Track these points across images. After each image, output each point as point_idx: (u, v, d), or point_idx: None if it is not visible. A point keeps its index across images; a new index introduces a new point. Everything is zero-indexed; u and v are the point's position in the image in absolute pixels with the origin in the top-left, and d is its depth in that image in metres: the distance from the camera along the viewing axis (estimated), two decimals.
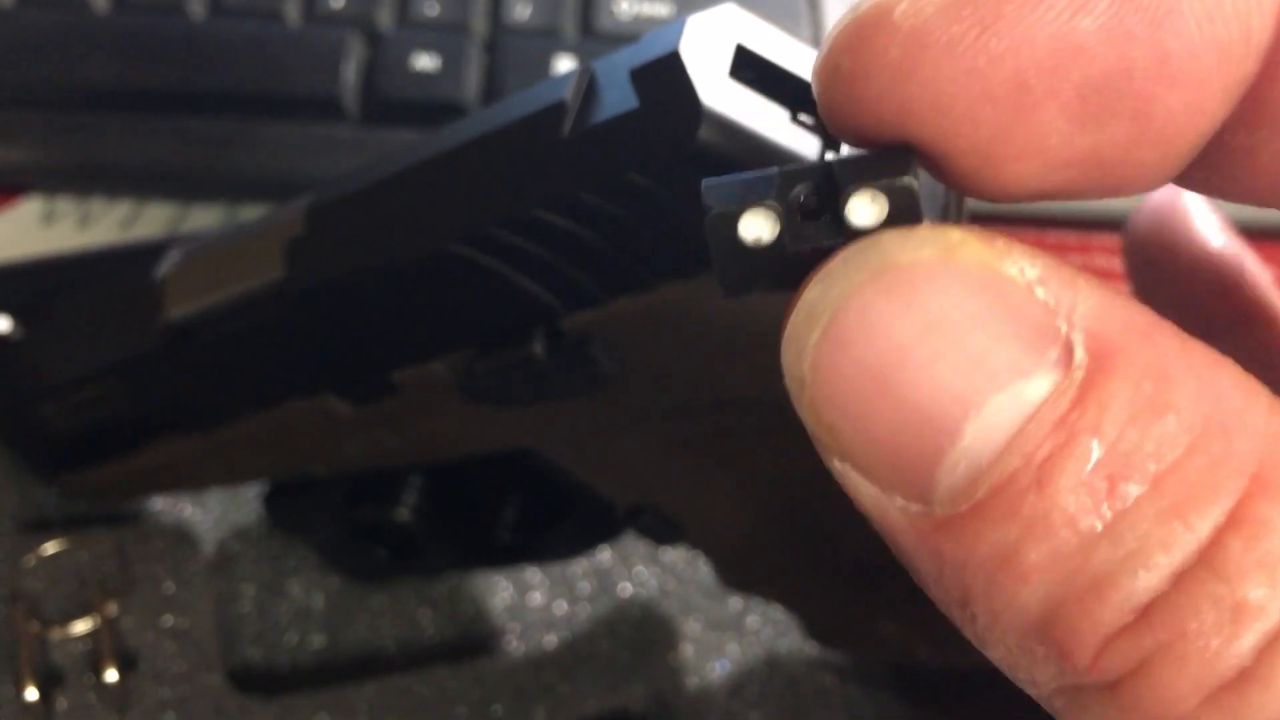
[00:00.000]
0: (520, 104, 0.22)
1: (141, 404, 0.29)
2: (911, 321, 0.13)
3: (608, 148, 0.20)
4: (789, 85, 0.20)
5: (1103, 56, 0.13)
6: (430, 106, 0.44)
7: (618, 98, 0.20)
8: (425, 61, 0.44)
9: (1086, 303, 0.13)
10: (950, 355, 0.13)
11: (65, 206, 0.46)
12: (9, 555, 0.32)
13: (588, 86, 0.21)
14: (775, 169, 0.14)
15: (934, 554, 0.14)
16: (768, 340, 0.23)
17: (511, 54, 0.45)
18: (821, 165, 0.14)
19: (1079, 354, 0.13)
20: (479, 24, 0.46)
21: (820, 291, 0.14)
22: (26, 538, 0.33)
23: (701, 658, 0.35)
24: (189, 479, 0.32)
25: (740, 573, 0.30)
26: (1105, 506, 0.13)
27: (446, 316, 0.24)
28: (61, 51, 0.44)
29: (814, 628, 0.32)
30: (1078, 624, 0.13)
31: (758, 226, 0.14)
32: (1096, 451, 0.13)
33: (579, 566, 0.36)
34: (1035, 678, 0.14)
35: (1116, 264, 0.47)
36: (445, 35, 0.45)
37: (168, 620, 0.32)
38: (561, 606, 0.35)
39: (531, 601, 0.36)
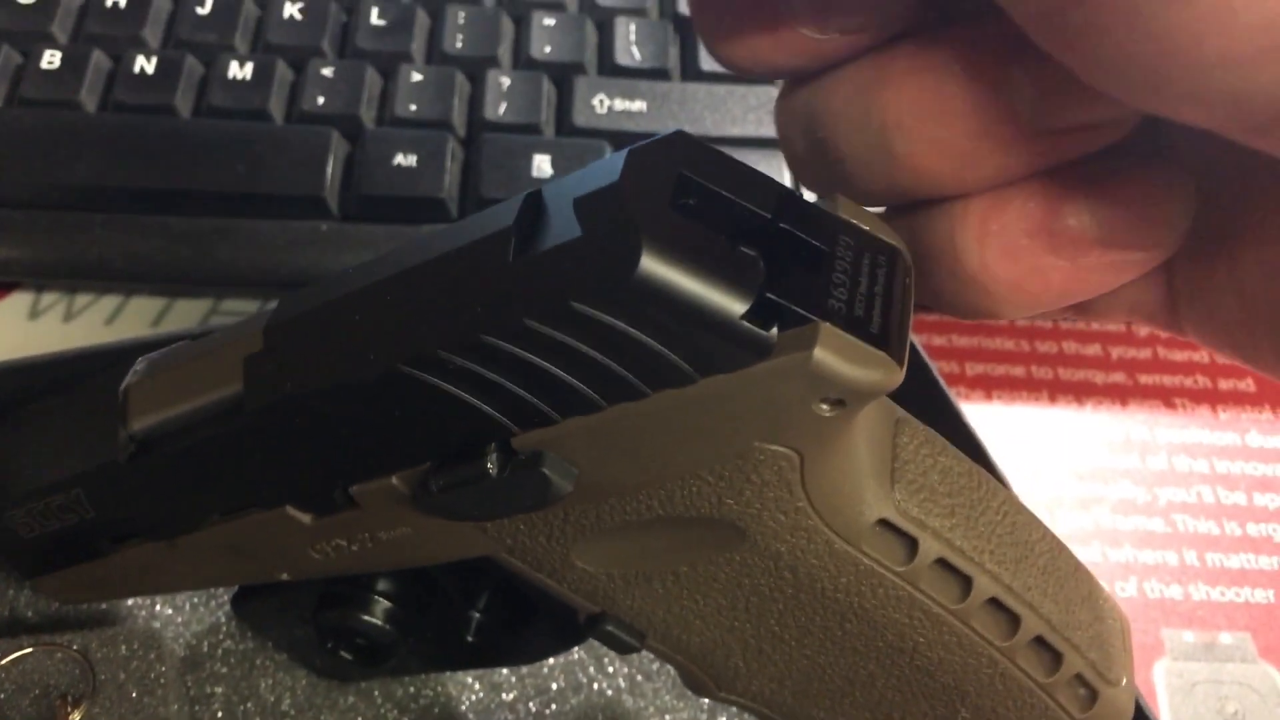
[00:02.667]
0: (471, 228, 0.23)
1: (106, 512, 0.29)
2: None
3: (551, 275, 0.21)
4: (732, 213, 0.21)
5: None
6: (409, 202, 0.44)
7: (562, 226, 0.21)
8: (404, 158, 0.45)
9: None
10: None
11: (51, 300, 0.47)
12: None
13: (536, 212, 0.22)
14: None
15: None
16: (718, 459, 0.23)
17: (488, 150, 0.46)
18: None
19: None
20: (458, 121, 0.47)
21: None
22: None
23: None
24: (158, 583, 0.32)
25: (704, 680, 0.30)
26: None
27: (400, 433, 0.24)
28: (50, 150, 0.45)
29: None
30: None
31: None
32: None
33: (549, 664, 0.36)
34: None
35: (1087, 350, 0.47)
36: (425, 132, 0.46)
37: None
38: (532, 706, 0.35)
39: (502, 701, 0.35)
